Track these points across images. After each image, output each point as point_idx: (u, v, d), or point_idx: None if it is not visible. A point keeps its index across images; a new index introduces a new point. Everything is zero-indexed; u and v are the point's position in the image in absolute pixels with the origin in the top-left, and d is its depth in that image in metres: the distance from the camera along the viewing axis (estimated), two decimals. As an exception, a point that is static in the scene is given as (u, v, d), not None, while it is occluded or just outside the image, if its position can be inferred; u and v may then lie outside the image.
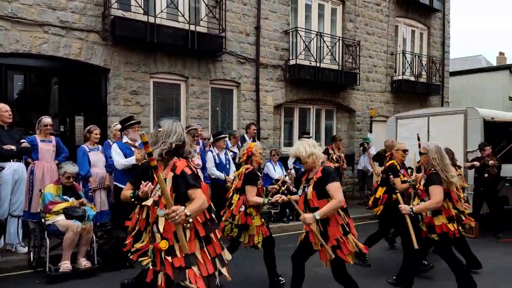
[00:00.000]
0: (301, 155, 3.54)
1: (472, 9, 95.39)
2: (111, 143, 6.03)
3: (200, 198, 2.50)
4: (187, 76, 8.35)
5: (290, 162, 7.46)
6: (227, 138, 7.12)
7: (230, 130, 8.51)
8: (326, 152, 8.90)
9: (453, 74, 14.45)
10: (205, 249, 2.62)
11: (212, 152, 6.32)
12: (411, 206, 4.00)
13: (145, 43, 7.44)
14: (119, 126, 5.93)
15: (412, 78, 12.32)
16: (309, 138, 9.18)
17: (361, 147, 10.29)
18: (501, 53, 27.13)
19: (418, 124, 8.86)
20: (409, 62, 12.37)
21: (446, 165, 3.99)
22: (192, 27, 7.80)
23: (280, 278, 4.26)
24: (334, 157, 8.96)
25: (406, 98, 12.56)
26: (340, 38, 10.58)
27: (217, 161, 6.25)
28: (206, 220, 2.67)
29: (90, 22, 7.15)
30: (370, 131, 11.18)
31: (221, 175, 6.11)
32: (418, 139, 5.06)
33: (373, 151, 9.85)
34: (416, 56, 12.63)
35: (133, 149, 5.38)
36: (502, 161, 7.17)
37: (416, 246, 3.89)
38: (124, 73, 7.55)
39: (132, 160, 5.14)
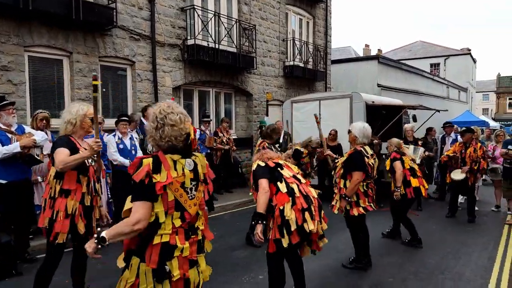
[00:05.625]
0: None
1: (343, 4, 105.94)
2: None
3: None
4: (70, 51, 7.30)
5: None
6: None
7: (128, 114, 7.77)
8: (215, 134, 8.88)
9: (331, 62, 15.81)
10: None
11: (114, 136, 5.64)
12: None
13: (18, 10, 6.24)
14: None
15: (301, 65, 13.08)
16: (210, 121, 9.10)
17: (259, 130, 10.56)
18: (367, 45, 31.17)
19: (311, 107, 9.50)
20: (298, 49, 13.09)
21: None
22: (77, -5, 6.82)
23: None
24: (224, 140, 8.97)
25: (297, 83, 13.32)
26: (237, 21, 10.55)
27: (121, 146, 5.59)
28: None
29: None
30: (267, 115, 11.55)
31: (126, 161, 5.49)
32: (316, 119, 5.56)
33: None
34: (304, 44, 13.43)
35: (9, 135, 4.48)
36: (381, 140, 8.19)
37: None
38: (-11, 44, 6.21)
39: (15, 147, 4.26)
